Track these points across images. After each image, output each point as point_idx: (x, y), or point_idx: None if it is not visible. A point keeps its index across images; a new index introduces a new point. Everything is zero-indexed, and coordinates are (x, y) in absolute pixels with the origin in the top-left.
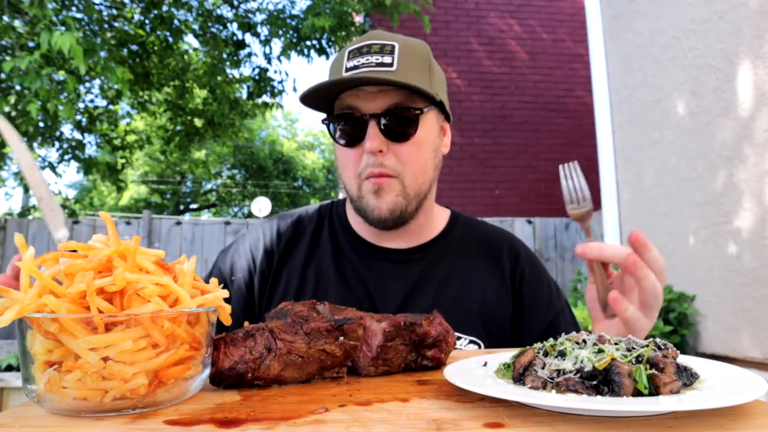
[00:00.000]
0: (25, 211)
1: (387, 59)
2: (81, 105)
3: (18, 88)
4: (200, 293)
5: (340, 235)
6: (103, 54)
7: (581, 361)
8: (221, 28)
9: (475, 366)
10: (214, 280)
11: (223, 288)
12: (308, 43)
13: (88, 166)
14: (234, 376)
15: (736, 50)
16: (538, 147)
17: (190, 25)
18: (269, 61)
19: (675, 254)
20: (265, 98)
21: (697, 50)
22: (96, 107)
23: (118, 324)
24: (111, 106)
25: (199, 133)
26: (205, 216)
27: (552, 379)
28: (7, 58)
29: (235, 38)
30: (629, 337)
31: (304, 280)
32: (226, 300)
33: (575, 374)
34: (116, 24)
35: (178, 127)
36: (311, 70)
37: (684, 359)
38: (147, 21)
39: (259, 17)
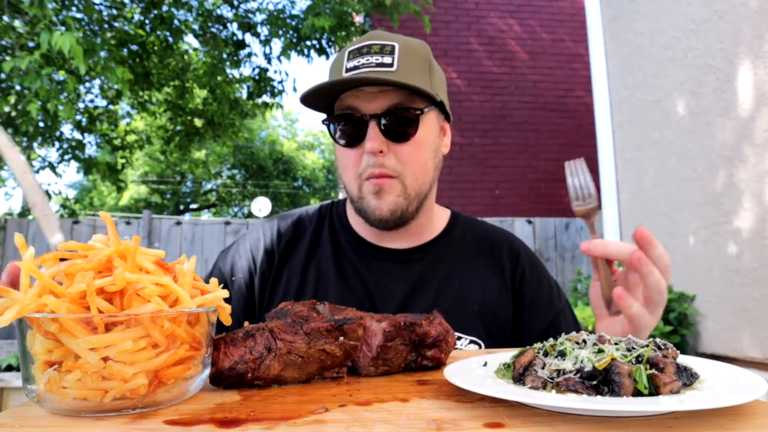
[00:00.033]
0: (25, 211)
1: (387, 59)
2: (81, 105)
3: (18, 88)
4: (200, 293)
5: (340, 235)
6: (103, 54)
7: (581, 361)
8: (221, 28)
9: (475, 366)
10: (214, 280)
11: (224, 288)
12: (308, 43)
13: (88, 166)
14: (234, 376)
15: (736, 50)
16: (538, 147)
17: (190, 25)
18: (269, 61)
19: (675, 254)
20: (265, 98)
21: (697, 50)
22: (96, 107)
23: (118, 324)
24: (111, 106)
25: (199, 133)
26: (205, 216)
27: (552, 379)
28: (7, 58)
29: (235, 38)
30: (629, 337)
31: (304, 280)
32: (227, 300)
33: (575, 374)
34: (116, 24)
35: (178, 127)
36: (311, 70)
37: (684, 359)
38: (147, 21)
39: (259, 17)
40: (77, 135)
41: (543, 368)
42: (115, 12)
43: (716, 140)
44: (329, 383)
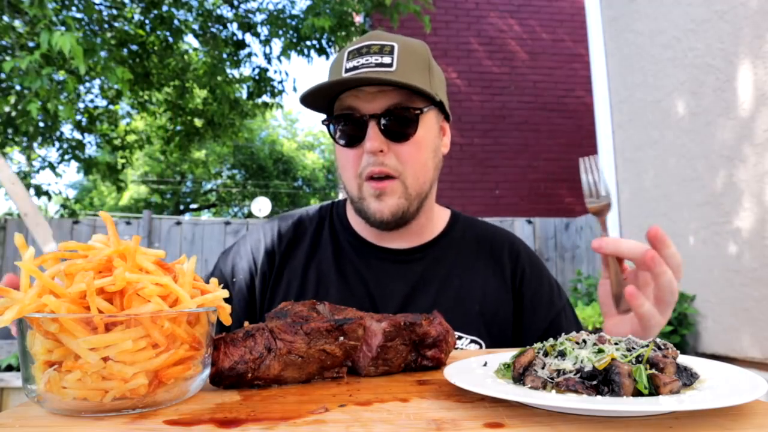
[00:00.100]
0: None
1: (386, 59)
2: (81, 105)
3: (18, 88)
4: (200, 293)
5: (340, 236)
6: (103, 54)
7: (581, 361)
8: (221, 28)
9: (475, 366)
10: (214, 280)
11: (224, 289)
12: (308, 43)
13: (88, 166)
14: (234, 376)
15: (736, 50)
16: (538, 147)
17: (190, 25)
18: (269, 61)
19: None
20: (265, 98)
21: (697, 50)
22: (96, 107)
23: (118, 324)
24: (111, 106)
25: (199, 133)
26: (205, 216)
27: (552, 379)
28: (7, 58)
29: (235, 38)
30: (629, 337)
31: (305, 280)
32: (227, 301)
33: (575, 374)
34: (116, 24)
35: (178, 127)
36: (311, 70)
37: (684, 359)
38: (147, 21)
39: (259, 17)
40: (77, 135)
41: (543, 368)
42: (115, 12)
43: (716, 140)
44: (329, 383)
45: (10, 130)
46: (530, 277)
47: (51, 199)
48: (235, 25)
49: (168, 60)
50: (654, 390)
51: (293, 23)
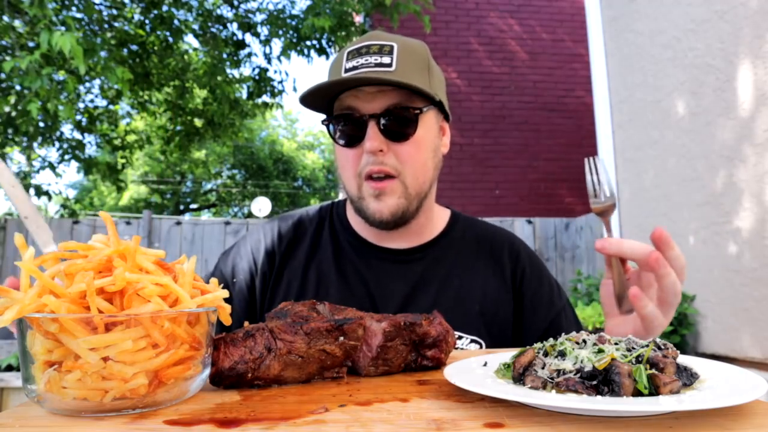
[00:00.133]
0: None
1: (386, 59)
2: (81, 105)
3: (18, 88)
4: (200, 293)
5: (340, 236)
6: (103, 54)
7: (581, 361)
8: (221, 28)
9: (475, 366)
10: (214, 280)
11: (225, 290)
12: (308, 43)
13: (88, 166)
14: (234, 376)
15: (736, 50)
16: (538, 147)
17: (190, 25)
18: (269, 61)
19: None
20: (265, 98)
21: (697, 50)
22: (96, 107)
23: (118, 324)
24: (111, 106)
25: (199, 133)
26: (205, 216)
27: (552, 379)
28: (7, 58)
29: (235, 38)
30: (629, 337)
31: (305, 280)
32: (227, 301)
33: (575, 374)
34: (116, 24)
35: (178, 127)
36: (311, 70)
37: (684, 359)
38: (147, 21)
39: (259, 17)
40: (77, 135)
41: (543, 368)
42: (115, 12)
43: (716, 140)
44: (329, 383)
45: (10, 130)
46: (530, 277)
47: (51, 199)
48: (235, 25)
49: (168, 60)
50: (654, 390)
51: (293, 23)
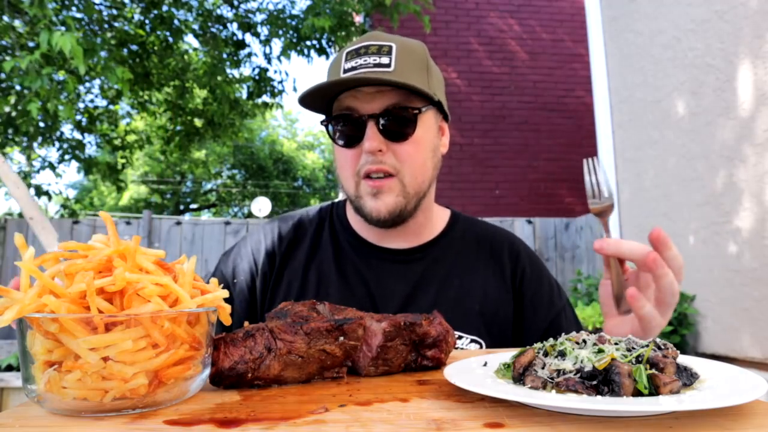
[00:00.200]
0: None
1: (384, 60)
2: (81, 105)
3: (18, 88)
4: (200, 293)
5: (340, 236)
6: (103, 54)
7: (581, 361)
8: (221, 28)
9: (475, 366)
10: (214, 280)
11: (225, 290)
12: (308, 43)
13: (88, 166)
14: (234, 376)
15: (736, 50)
16: (538, 147)
17: (190, 25)
18: (269, 61)
19: None
20: (265, 98)
21: (697, 50)
22: (96, 107)
23: (118, 324)
24: (111, 106)
25: (199, 133)
26: (205, 216)
27: (552, 379)
28: (7, 58)
29: (235, 38)
30: (629, 337)
31: (305, 281)
32: (228, 301)
33: (575, 374)
34: (116, 24)
35: (178, 127)
36: (311, 70)
37: (684, 359)
38: (147, 21)
39: (259, 17)
40: (77, 135)
41: (543, 368)
42: (115, 12)
43: (716, 140)
44: (329, 383)
45: (10, 130)
46: (530, 277)
47: (51, 199)
48: (235, 25)
49: (168, 60)
50: (654, 390)
51: (293, 23)
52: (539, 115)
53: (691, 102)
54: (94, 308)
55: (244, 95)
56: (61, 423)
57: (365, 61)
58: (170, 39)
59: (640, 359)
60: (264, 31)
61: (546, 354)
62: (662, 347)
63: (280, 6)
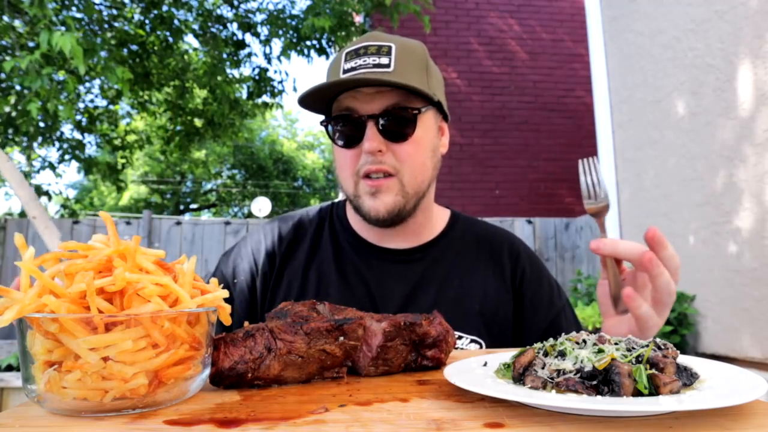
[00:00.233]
0: (25, 212)
1: (384, 60)
2: (81, 105)
3: (18, 88)
4: (200, 293)
5: (340, 236)
6: (103, 54)
7: (581, 361)
8: (221, 28)
9: (475, 366)
10: (214, 280)
11: (225, 290)
12: (308, 43)
13: (88, 166)
14: (234, 376)
15: (736, 50)
16: (538, 147)
17: (190, 25)
18: (269, 61)
19: None
20: (265, 98)
21: (697, 50)
22: (96, 107)
23: (118, 324)
24: (111, 106)
25: (199, 133)
26: (205, 216)
27: (552, 379)
28: (7, 58)
29: (235, 38)
30: (629, 337)
31: (305, 281)
32: (228, 302)
33: (575, 374)
34: (116, 24)
35: (178, 127)
36: (311, 70)
37: (684, 359)
38: (147, 21)
39: (259, 17)
40: (77, 135)
41: (543, 368)
42: (115, 12)
43: (716, 140)
44: (329, 383)
45: (10, 130)
46: (530, 278)
47: (51, 199)
48: (235, 25)
49: (168, 60)
50: (654, 390)
51: (293, 23)
52: (539, 115)
53: (691, 102)
54: (94, 308)
55: (244, 95)
56: (61, 423)
57: (365, 61)
58: (170, 39)
59: (640, 359)
60: (264, 31)
61: (546, 354)
62: (662, 347)
63: (280, 6)
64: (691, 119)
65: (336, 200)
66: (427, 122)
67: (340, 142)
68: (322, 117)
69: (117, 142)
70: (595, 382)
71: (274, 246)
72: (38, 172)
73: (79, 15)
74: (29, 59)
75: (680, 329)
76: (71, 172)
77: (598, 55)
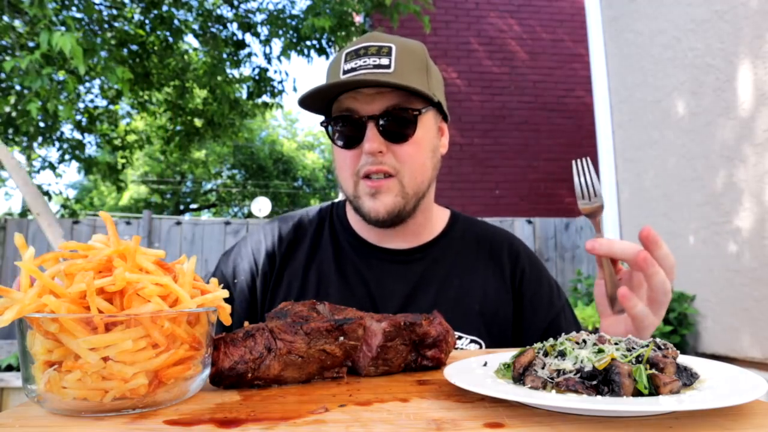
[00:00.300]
0: (25, 212)
1: (384, 61)
2: (81, 105)
3: (18, 88)
4: (200, 293)
5: (340, 236)
6: (103, 54)
7: (581, 361)
8: (221, 28)
9: (475, 366)
10: (214, 280)
11: (225, 290)
12: (308, 43)
13: (88, 166)
14: (234, 376)
15: (736, 50)
16: (538, 147)
17: (190, 25)
18: (269, 61)
19: (675, 254)
20: (265, 98)
21: (697, 50)
22: (96, 107)
23: (118, 324)
24: (111, 106)
25: (199, 133)
26: (205, 216)
27: (552, 379)
28: (7, 58)
29: (235, 38)
30: (629, 337)
31: (305, 281)
32: (228, 301)
33: (575, 374)
34: (116, 24)
35: (178, 127)
36: (311, 70)
37: (684, 359)
38: (147, 21)
39: (259, 17)
40: (77, 135)
41: (543, 368)
42: (115, 12)
43: (716, 140)
44: (329, 383)
45: (10, 130)
46: (530, 278)
47: (51, 199)
48: (235, 25)
49: (168, 60)
50: (654, 390)
51: (293, 23)
52: (539, 115)
53: (691, 102)
54: (94, 308)
55: (244, 95)
56: (61, 423)
57: (365, 62)
58: (170, 39)
59: (640, 359)
60: (264, 31)
61: (546, 354)
62: (662, 347)
63: (280, 6)
64: (691, 119)
65: (336, 200)
66: (428, 123)
67: (340, 143)
68: (322, 117)
69: (117, 142)
70: (595, 382)
71: (274, 246)
72: (38, 172)
73: (79, 15)
74: (29, 59)
75: (680, 329)
76: (71, 172)
77: (598, 55)
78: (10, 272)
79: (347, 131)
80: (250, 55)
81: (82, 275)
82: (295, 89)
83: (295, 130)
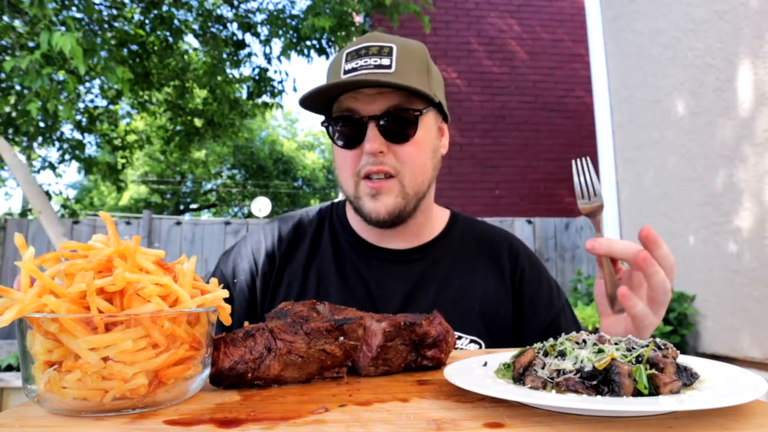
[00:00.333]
0: (25, 211)
1: (385, 61)
2: (81, 105)
3: (18, 88)
4: (200, 293)
5: (340, 236)
6: (103, 54)
7: (581, 361)
8: (221, 28)
9: (475, 366)
10: (214, 280)
11: (225, 290)
12: (308, 43)
13: (88, 166)
14: (234, 376)
15: (736, 50)
16: (538, 147)
17: (190, 25)
18: (269, 61)
19: (675, 254)
20: (265, 98)
21: (697, 50)
22: (96, 107)
23: (118, 324)
24: (111, 106)
25: (199, 133)
26: (205, 216)
27: (552, 379)
28: (7, 58)
29: (235, 38)
30: (629, 337)
31: (305, 281)
32: (228, 301)
33: (575, 374)
34: (116, 24)
35: (178, 127)
36: (311, 70)
37: (684, 359)
38: (147, 21)
39: (259, 17)
40: (77, 135)
41: (543, 368)
42: (115, 12)
43: (716, 140)
44: (329, 383)
45: (10, 130)
46: (530, 278)
47: (51, 199)
48: (235, 25)
49: (168, 60)
50: (654, 390)
51: (293, 23)
52: (539, 115)
53: (691, 102)
54: (94, 308)
55: (244, 95)
56: (61, 423)
57: (366, 62)
58: (170, 39)
59: (640, 359)
60: (264, 31)
61: (546, 354)
62: (662, 347)
63: (280, 6)
64: (691, 119)
65: (336, 200)
66: (428, 123)
67: (341, 143)
68: (322, 117)
69: (117, 142)
70: (595, 382)
71: (274, 246)
72: (38, 172)
73: (79, 15)
74: (29, 59)
75: (680, 329)
76: (71, 172)
77: (598, 55)
78: (10, 272)
79: (348, 131)
80: (250, 55)
81: (82, 275)
82: (295, 89)
83: (295, 130)
